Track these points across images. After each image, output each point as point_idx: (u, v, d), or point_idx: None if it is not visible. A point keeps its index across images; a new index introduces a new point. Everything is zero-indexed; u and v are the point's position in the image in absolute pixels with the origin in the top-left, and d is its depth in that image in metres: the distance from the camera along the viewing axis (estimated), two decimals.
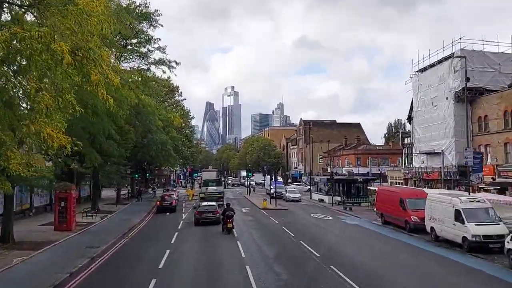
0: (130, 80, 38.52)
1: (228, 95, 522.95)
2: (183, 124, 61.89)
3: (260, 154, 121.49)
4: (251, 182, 68.66)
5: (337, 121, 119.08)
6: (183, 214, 37.98)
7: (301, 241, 22.71)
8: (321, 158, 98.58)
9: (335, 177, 48.90)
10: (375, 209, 38.31)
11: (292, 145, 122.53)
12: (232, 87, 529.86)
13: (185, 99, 66.93)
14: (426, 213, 25.72)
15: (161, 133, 47.71)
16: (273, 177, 51.99)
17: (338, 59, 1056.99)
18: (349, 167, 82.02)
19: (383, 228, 30.03)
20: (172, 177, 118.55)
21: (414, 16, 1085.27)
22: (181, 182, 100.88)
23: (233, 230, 26.79)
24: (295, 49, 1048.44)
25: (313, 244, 21.77)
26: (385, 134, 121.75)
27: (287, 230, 27.17)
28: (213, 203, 32.84)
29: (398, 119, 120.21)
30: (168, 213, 38.79)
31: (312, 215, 37.38)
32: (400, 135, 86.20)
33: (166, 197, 41.50)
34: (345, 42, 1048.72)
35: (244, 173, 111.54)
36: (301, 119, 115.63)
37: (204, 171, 64.75)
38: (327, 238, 25.00)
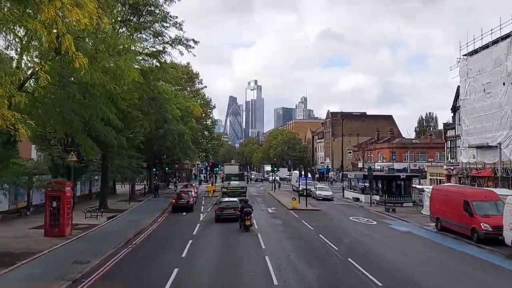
0: (146, 65, 34.20)
1: (251, 89, 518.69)
2: (203, 114, 57.09)
3: (284, 147, 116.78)
4: (276, 178, 63.12)
5: (367, 113, 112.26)
6: (201, 214, 33.28)
7: (350, 259, 17.36)
8: (350, 153, 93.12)
9: (374, 173, 43.30)
10: (423, 212, 33.11)
11: (318, 139, 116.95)
12: (255, 81, 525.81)
13: (206, 87, 61.82)
14: (505, 221, 20.23)
15: (179, 123, 43.04)
16: (302, 172, 46.65)
17: (362, 52, 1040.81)
18: (383, 162, 76.32)
19: (443, 238, 24.52)
20: (193, 171, 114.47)
21: (440, 8, 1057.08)
22: (203, 176, 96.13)
23: (258, 235, 22.87)
24: (318, 42, 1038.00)
25: (368, 264, 16.44)
26: (415, 128, 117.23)
27: (327, 241, 21.88)
28: (235, 199, 31.12)
29: (429, 112, 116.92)
30: (184, 213, 34.15)
31: (351, 218, 32.07)
32: (437, 127, 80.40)
33: (182, 194, 36.78)
34: (369, 34, 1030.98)
35: (268, 168, 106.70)
36: (328, 110, 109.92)
37: (226, 165, 62.99)
38: (381, 254, 19.56)
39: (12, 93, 9.57)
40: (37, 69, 9.78)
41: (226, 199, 32.05)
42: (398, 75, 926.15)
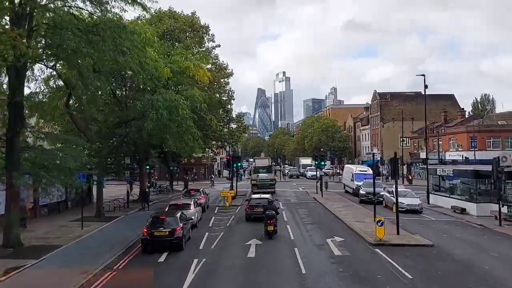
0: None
1: (280, 81, 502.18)
2: (215, 84, 39.15)
3: (321, 137, 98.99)
4: (313, 174, 46.60)
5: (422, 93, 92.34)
6: (195, 262, 15.90)
7: None
8: (403, 141, 74.20)
9: (506, 168, 24.72)
10: None
11: (362, 125, 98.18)
12: (284, 73, 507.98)
13: (219, 46, 42.39)
14: None
15: (169, 90, 25.99)
16: (376, 166, 28.33)
17: (390, 41, 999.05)
18: (458, 150, 57.56)
19: None
20: (216, 167, 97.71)
21: None
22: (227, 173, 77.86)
23: None
24: (345, 32, 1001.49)
25: None
26: (469, 112, 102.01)
27: None
28: (266, 196, 28.07)
29: (485, 94, 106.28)
30: (163, 257, 17.08)
31: None
32: (494, 110, 62.74)
33: (162, 218, 18.54)
34: (397, 22, 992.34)
35: (304, 161, 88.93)
36: (375, 91, 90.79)
37: (256, 159, 62.74)
38: None
39: None
40: None
41: (257, 196, 28.70)
42: (429, 63, 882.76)
